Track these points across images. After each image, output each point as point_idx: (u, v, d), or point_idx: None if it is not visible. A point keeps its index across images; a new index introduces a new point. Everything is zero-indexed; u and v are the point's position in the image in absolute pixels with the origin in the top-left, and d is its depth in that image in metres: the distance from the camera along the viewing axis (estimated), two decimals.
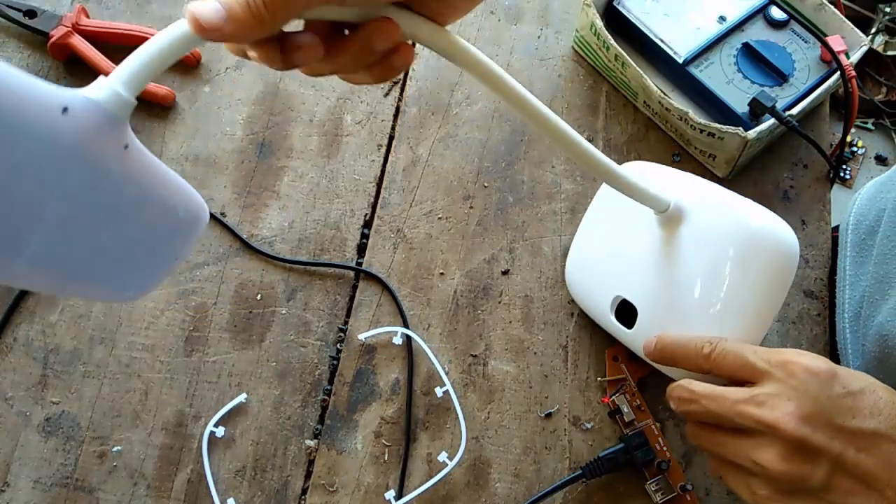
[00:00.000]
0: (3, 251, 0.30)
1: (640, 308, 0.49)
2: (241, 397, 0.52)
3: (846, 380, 0.37)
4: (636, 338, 0.49)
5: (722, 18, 0.61)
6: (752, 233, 0.46)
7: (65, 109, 0.30)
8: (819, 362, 0.38)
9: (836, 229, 0.60)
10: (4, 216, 0.30)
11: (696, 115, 0.57)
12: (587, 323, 0.56)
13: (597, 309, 0.53)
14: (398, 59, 0.34)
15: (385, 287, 0.57)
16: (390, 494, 0.50)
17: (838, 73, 0.58)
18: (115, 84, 0.31)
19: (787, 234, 0.46)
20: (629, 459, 0.50)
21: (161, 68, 0.32)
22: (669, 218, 0.47)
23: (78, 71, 0.63)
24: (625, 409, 0.52)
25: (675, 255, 0.48)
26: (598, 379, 0.54)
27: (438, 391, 0.53)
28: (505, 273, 0.57)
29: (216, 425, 0.52)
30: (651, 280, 0.49)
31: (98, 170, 0.33)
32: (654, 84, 0.58)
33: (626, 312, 0.51)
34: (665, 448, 0.51)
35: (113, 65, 0.61)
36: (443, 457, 0.51)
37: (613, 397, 0.53)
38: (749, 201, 0.47)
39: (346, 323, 0.56)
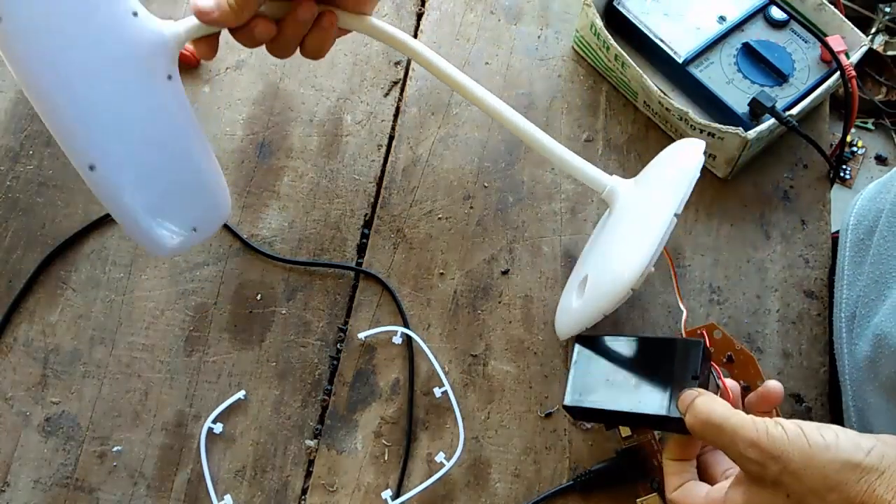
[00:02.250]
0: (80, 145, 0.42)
1: (590, 273, 0.50)
2: (240, 394, 0.52)
3: None
4: (588, 304, 0.48)
5: (722, 18, 0.61)
6: (663, 154, 0.51)
7: (135, 13, 0.44)
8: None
9: (837, 233, 0.60)
10: (83, 97, 0.42)
11: (696, 115, 0.57)
12: None
13: (570, 309, 0.52)
14: (315, 37, 0.49)
15: (385, 287, 0.57)
16: (387, 494, 0.50)
17: (838, 73, 0.58)
18: (178, 24, 0.46)
19: (691, 142, 0.49)
20: (622, 475, 0.50)
21: (210, 30, 0.48)
22: (609, 196, 0.51)
23: None
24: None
25: (615, 219, 0.51)
26: None
27: (437, 391, 0.53)
28: (505, 273, 0.57)
29: (214, 422, 0.52)
30: (599, 249, 0.51)
31: (149, 76, 0.45)
32: (654, 84, 0.58)
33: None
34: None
35: None
36: (440, 457, 0.51)
37: None
38: None
39: (346, 323, 0.56)
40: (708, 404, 0.40)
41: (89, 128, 0.43)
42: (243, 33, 0.48)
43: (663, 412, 0.43)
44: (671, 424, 0.43)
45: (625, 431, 0.51)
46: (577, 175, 0.52)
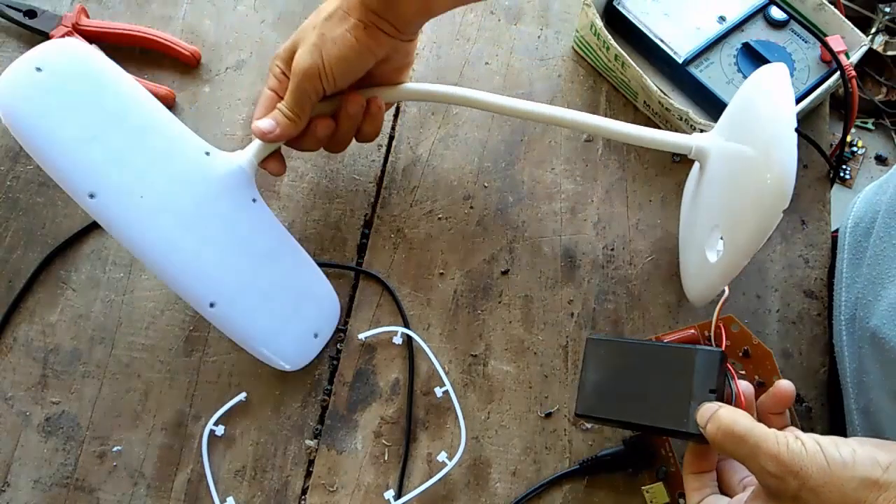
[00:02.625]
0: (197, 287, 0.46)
1: (721, 223, 0.49)
2: (241, 396, 0.52)
3: None
4: (735, 248, 0.47)
5: (722, 18, 0.61)
6: (742, 93, 0.50)
7: (207, 153, 0.49)
8: None
9: (837, 231, 0.60)
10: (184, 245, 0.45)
11: (696, 115, 0.57)
12: (587, 323, 0.56)
13: (707, 267, 0.51)
14: (369, 123, 0.53)
15: (385, 287, 0.57)
16: (389, 494, 0.50)
17: (838, 73, 0.58)
18: (246, 151, 0.51)
19: (768, 68, 0.49)
20: (628, 462, 0.50)
21: (275, 147, 0.53)
22: (699, 154, 0.52)
23: None
24: None
25: (718, 170, 0.50)
26: None
27: (438, 391, 0.53)
28: (505, 273, 0.57)
29: (216, 424, 0.52)
30: (716, 200, 0.50)
31: (236, 206, 0.49)
32: (654, 84, 0.58)
33: None
34: (670, 454, 0.50)
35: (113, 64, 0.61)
36: (442, 457, 0.51)
37: None
38: None
39: (346, 323, 0.56)
40: (731, 416, 0.40)
41: (199, 269, 0.46)
42: (305, 139, 0.52)
43: (682, 428, 0.42)
44: (689, 437, 0.43)
45: None
46: (658, 146, 0.52)
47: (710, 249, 0.49)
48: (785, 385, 0.44)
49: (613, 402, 0.46)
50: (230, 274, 0.47)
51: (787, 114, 0.44)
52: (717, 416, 0.40)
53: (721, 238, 0.48)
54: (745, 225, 0.45)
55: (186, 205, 0.46)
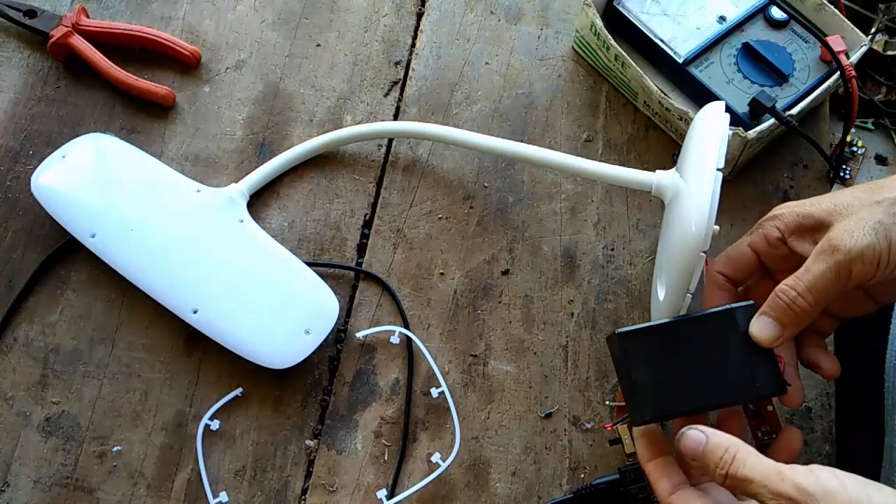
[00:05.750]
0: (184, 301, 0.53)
1: (664, 261, 0.50)
2: (237, 391, 0.52)
3: None
4: (670, 288, 0.48)
5: (722, 18, 0.61)
6: (689, 129, 0.51)
7: (198, 191, 0.57)
8: None
9: None
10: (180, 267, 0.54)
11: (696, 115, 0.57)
12: (587, 323, 0.56)
13: (659, 305, 0.51)
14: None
15: (385, 287, 0.57)
16: (382, 494, 0.50)
17: (838, 73, 0.58)
18: (239, 186, 0.57)
19: (709, 105, 0.50)
20: (623, 492, 0.47)
21: (269, 179, 0.59)
22: (659, 191, 0.51)
23: (78, 71, 0.63)
24: (626, 439, 0.48)
25: (670, 208, 0.50)
26: (607, 403, 0.53)
27: (434, 392, 0.53)
28: (505, 273, 0.57)
29: (211, 418, 0.51)
30: (666, 239, 0.51)
31: (223, 227, 0.56)
32: (654, 84, 0.58)
33: None
34: None
35: (112, 65, 0.61)
36: (436, 458, 0.51)
37: (617, 425, 0.48)
38: None
39: (346, 323, 0.56)
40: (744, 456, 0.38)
41: (180, 282, 0.53)
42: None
43: (759, 392, 0.42)
44: (765, 398, 0.44)
45: (629, 448, 0.49)
46: (623, 183, 0.53)
47: (660, 286, 0.50)
48: (793, 434, 0.44)
49: (675, 396, 0.42)
50: (212, 283, 0.53)
51: (709, 154, 0.45)
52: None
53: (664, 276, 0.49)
54: (672, 264, 0.47)
55: (172, 232, 0.54)
